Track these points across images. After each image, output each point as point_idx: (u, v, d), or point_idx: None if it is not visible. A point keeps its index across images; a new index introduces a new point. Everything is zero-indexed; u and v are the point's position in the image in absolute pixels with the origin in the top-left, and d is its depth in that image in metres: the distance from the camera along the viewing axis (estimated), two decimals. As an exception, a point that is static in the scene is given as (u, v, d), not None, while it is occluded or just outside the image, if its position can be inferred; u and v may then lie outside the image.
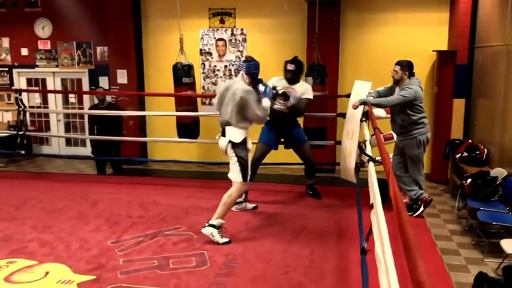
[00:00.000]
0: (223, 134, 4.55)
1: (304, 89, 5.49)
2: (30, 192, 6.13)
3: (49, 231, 4.73)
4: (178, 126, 6.78)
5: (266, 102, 4.62)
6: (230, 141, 4.48)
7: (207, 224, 4.44)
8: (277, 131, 5.57)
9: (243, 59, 4.69)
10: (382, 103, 5.10)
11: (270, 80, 5.53)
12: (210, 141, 6.23)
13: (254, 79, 4.58)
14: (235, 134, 4.47)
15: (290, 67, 5.41)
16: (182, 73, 6.53)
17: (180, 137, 6.81)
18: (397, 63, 5.11)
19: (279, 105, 5.44)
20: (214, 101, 4.85)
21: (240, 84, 4.50)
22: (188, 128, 6.70)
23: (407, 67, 5.06)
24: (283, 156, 6.28)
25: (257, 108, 4.46)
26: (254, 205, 5.42)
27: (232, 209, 5.11)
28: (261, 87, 4.67)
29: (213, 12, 8.35)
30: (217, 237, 4.39)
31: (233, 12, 8.29)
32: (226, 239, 4.42)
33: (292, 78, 5.42)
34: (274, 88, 5.25)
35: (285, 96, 5.30)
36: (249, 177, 4.57)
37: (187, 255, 4.17)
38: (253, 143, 5.88)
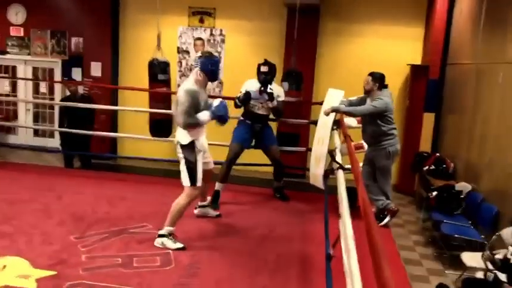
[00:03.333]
0: None
1: (278, 91, 5.61)
2: (-8, 182, 5.94)
3: (10, 223, 4.59)
4: (151, 122, 6.70)
5: (205, 116, 4.18)
6: (178, 142, 4.27)
7: (157, 236, 4.29)
8: (251, 131, 5.61)
9: (199, 54, 4.38)
10: (352, 112, 5.18)
11: (245, 83, 5.56)
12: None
13: (212, 77, 4.30)
14: (182, 134, 4.24)
15: (264, 69, 5.47)
16: (158, 70, 6.46)
17: (152, 133, 6.72)
18: (370, 74, 5.19)
19: (256, 108, 5.50)
20: None
21: (186, 83, 4.24)
22: (161, 125, 6.63)
23: (379, 79, 5.15)
24: (253, 157, 6.29)
25: (186, 111, 4.08)
26: (217, 213, 5.19)
27: (195, 211, 5.06)
28: (215, 103, 4.29)
29: (192, 11, 8.31)
30: (169, 244, 4.21)
31: (213, 12, 8.28)
32: (180, 245, 4.22)
33: (266, 79, 5.45)
34: (264, 89, 5.35)
35: (271, 97, 5.36)
36: (199, 182, 4.29)
37: (152, 255, 4.11)
38: (220, 145, 5.90)
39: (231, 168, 5.58)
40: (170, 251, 4.18)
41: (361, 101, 5.32)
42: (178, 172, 4.35)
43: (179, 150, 4.29)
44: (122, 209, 5.23)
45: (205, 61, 4.23)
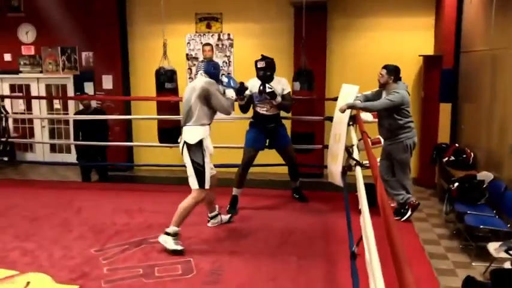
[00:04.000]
0: None
1: (281, 84, 5.42)
2: (12, 199, 5.99)
3: (31, 240, 4.62)
4: (160, 132, 6.69)
5: (231, 93, 4.56)
6: (185, 143, 4.27)
7: (163, 232, 4.29)
8: (263, 132, 5.53)
9: (201, 59, 4.70)
10: (369, 107, 5.09)
11: (247, 83, 5.48)
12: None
13: (214, 78, 4.46)
14: (191, 133, 4.26)
15: (260, 64, 5.33)
16: (165, 78, 6.46)
17: (160, 142, 6.71)
18: (384, 67, 5.10)
19: (263, 109, 5.43)
20: None
21: (199, 79, 4.41)
22: (169, 134, 6.62)
23: (393, 71, 5.06)
24: (267, 158, 6.24)
25: (222, 98, 4.35)
26: (229, 216, 5.13)
27: (208, 224, 4.96)
28: (225, 79, 4.65)
29: (199, 17, 8.32)
30: (170, 244, 4.21)
31: (220, 17, 8.27)
32: (179, 247, 4.22)
33: (265, 75, 5.32)
34: (263, 88, 5.23)
35: (272, 94, 5.26)
36: (207, 185, 4.30)
37: (173, 263, 4.09)
38: (236, 148, 5.87)
39: (246, 173, 5.52)
40: (191, 258, 4.16)
41: (377, 95, 5.23)
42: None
43: (185, 152, 4.29)
44: (140, 219, 5.23)
45: (208, 64, 4.52)
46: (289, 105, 5.53)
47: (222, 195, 5.05)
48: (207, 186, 4.29)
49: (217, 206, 5.03)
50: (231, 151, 6.15)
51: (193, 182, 4.28)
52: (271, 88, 5.25)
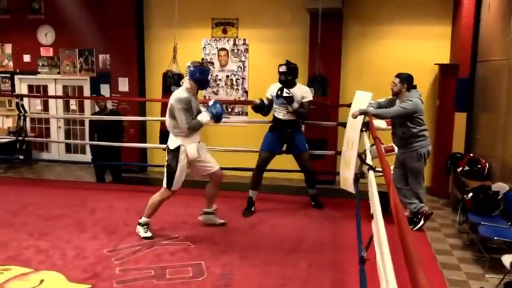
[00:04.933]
0: None
1: (303, 92, 5.45)
2: (27, 198, 6.08)
3: (45, 239, 4.68)
4: (161, 134, 6.72)
5: (204, 117, 4.52)
6: (167, 146, 4.62)
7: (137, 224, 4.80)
8: (280, 137, 5.55)
9: (188, 64, 4.58)
10: (382, 114, 5.08)
11: (269, 87, 5.54)
12: (214, 148, 6.15)
13: (200, 85, 4.59)
14: (171, 140, 4.61)
15: (281, 69, 5.39)
16: (171, 81, 6.54)
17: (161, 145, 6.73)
18: (397, 76, 5.10)
19: (280, 114, 5.45)
20: None
21: (178, 91, 4.57)
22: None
23: (406, 80, 5.04)
24: (283, 163, 6.24)
25: (184, 118, 4.42)
26: (222, 221, 5.13)
27: (199, 218, 5.10)
28: (211, 102, 4.65)
29: (216, 22, 8.37)
30: (141, 232, 4.72)
31: (236, 22, 8.32)
32: (149, 234, 4.70)
33: (286, 80, 5.36)
34: (281, 92, 5.28)
35: (289, 99, 5.27)
36: (175, 187, 4.59)
37: (184, 265, 4.11)
38: (250, 151, 5.89)
39: (261, 175, 5.58)
40: (202, 261, 4.18)
41: (390, 103, 5.22)
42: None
43: (166, 154, 4.62)
44: (152, 221, 5.22)
45: (194, 70, 4.53)
46: (304, 113, 5.53)
47: (232, 198, 5.07)
48: (173, 188, 4.60)
49: (214, 206, 5.10)
50: (244, 155, 6.17)
51: (164, 181, 4.64)
52: (288, 93, 5.26)
